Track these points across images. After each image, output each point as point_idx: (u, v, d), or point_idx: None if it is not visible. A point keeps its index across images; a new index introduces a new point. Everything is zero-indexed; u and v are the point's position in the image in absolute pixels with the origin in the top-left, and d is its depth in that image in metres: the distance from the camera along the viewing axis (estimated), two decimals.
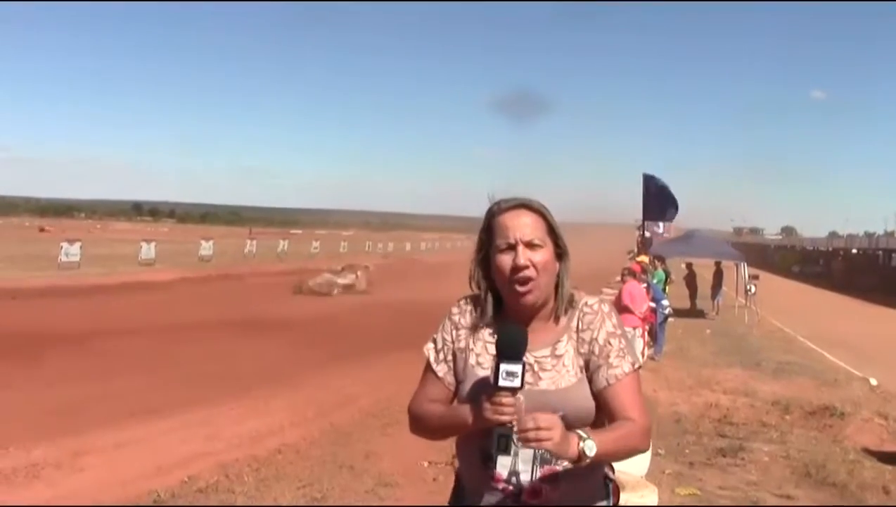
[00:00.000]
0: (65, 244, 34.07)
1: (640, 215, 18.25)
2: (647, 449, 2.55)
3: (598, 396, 2.47)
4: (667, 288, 21.22)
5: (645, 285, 16.27)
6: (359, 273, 34.09)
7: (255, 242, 53.82)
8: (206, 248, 45.04)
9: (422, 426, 2.64)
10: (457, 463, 2.71)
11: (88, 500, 6.85)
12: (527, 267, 2.44)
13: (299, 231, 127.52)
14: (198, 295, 27.76)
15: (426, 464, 8.06)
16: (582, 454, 2.25)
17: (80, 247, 34.54)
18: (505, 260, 2.47)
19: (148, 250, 39.21)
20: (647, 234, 17.50)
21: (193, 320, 20.51)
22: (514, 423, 2.29)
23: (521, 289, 2.46)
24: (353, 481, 7.56)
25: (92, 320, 19.59)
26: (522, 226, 2.48)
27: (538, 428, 2.18)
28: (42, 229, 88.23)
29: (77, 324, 18.71)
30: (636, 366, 2.53)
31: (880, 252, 57.35)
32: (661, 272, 21.38)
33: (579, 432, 2.28)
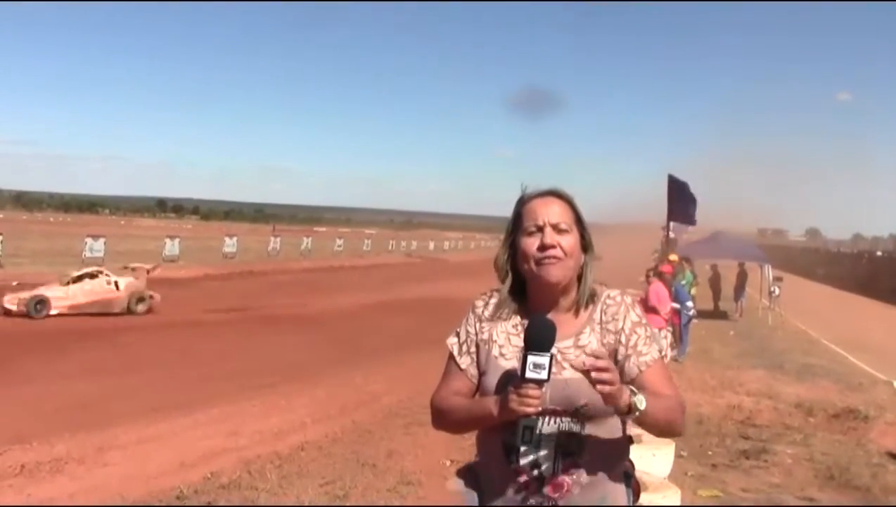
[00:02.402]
0: (89, 240, 34.26)
1: (664, 216, 18.16)
2: (682, 431, 2.55)
3: (630, 384, 2.45)
4: (693, 290, 21.15)
5: (682, 282, 16.22)
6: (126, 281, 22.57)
7: (278, 239, 53.89)
8: (230, 245, 45.18)
9: (445, 419, 2.63)
10: (475, 458, 2.71)
11: (112, 494, 6.89)
12: (553, 246, 2.45)
13: (323, 229, 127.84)
14: (221, 292, 27.85)
15: (448, 463, 8.06)
16: (633, 407, 2.29)
17: (105, 243, 34.73)
18: (531, 242, 2.48)
19: (172, 247, 39.36)
20: (672, 235, 17.41)
21: (216, 316, 20.63)
22: (539, 418, 2.34)
23: (545, 263, 2.47)
24: (375, 479, 7.57)
25: (115, 316, 19.71)
26: (550, 211, 2.50)
27: (603, 369, 2.23)
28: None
29: (101, 320, 18.83)
30: (662, 353, 2.56)
31: None
32: (689, 274, 21.34)
33: (631, 387, 2.31)
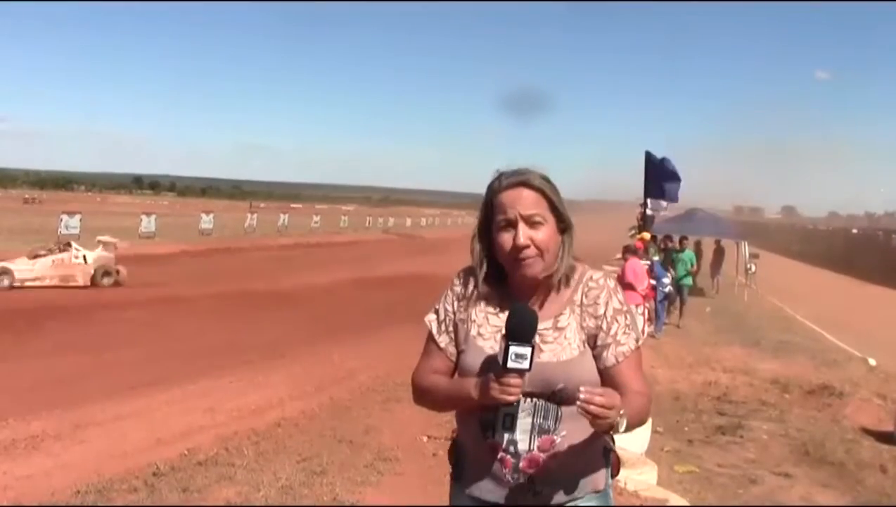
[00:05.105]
0: (64, 217, 33.93)
1: (641, 193, 18.16)
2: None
3: (605, 372, 2.48)
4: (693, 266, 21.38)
5: (647, 263, 16.28)
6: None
7: (255, 216, 53.71)
8: (207, 221, 44.94)
9: (426, 397, 2.65)
10: (456, 432, 2.70)
11: (89, 471, 6.86)
12: (527, 246, 2.42)
13: (300, 205, 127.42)
14: (198, 268, 27.74)
15: (425, 439, 8.06)
16: (616, 428, 2.28)
17: (80, 220, 34.44)
18: (506, 238, 2.45)
19: (148, 224, 39.10)
20: (650, 212, 17.39)
21: (193, 293, 20.54)
22: (519, 401, 2.33)
23: (521, 264, 2.45)
24: (352, 455, 7.56)
25: (91, 293, 19.62)
26: (522, 202, 2.46)
27: (604, 406, 2.20)
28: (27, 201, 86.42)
29: (77, 297, 18.74)
30: (639, 342, 2.55)
31: (880, 232, 57.20)
32: (690, 252, 21.48)
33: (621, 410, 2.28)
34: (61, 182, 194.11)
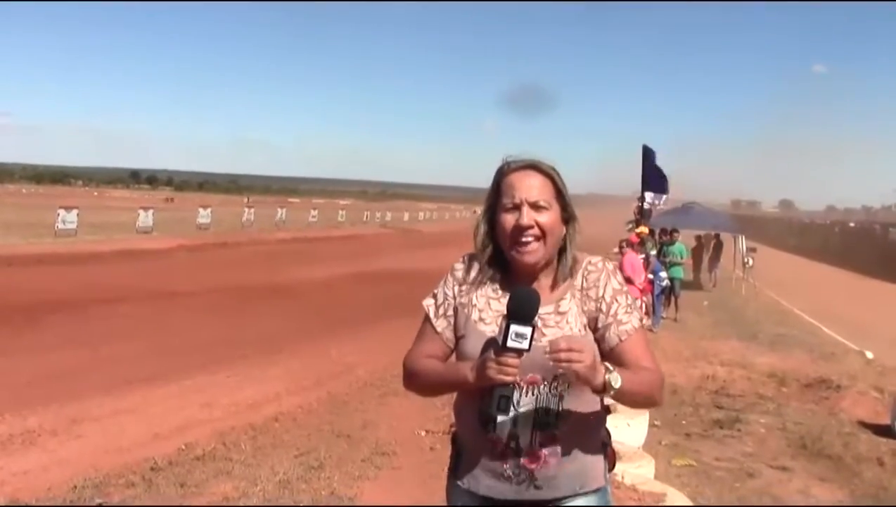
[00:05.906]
0: (61, 211, 33.74)
1: (638, 187, 18.18)
2: (661, 403, 2.57)
3: (610, 353, 2.48)
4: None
5: (643, 256, 16.30)
6: None
7: (252, 210, 53.55)
8: (204, 216, 44.84)
9: (417, 381, 2.63)
10: (454, 427, 2.70)
11: (86, 466, 6.85)
12: (530, 227, 2.43)
13: (297, 200, 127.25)
14: (195, 263, 27.71)
15: (423, 433, 8.07)
16: (607, 385, 2.27)
17: (77, 214, 34.30)
18: (509, 219, 2.46)
19: (145, 218, 38.96)
20: (646, 205, 17.44)
21: (191, 287, 20.51)
22: (516, 384, 2.33)
23: (522, 249, 2.45)
24: (350, 449, 7.56)
25: (89, 288, 19.57)
26: (529, 187, 2.47)
27: (570, 349, 2.20)
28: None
29: (74, 291, 18.69)
30: (643, 321, 2.55)
31: (877, 226, 57.21)
32: (681, 245, 21.42)
33: (606, 364, 2.30)
34: (59, 176, 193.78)
